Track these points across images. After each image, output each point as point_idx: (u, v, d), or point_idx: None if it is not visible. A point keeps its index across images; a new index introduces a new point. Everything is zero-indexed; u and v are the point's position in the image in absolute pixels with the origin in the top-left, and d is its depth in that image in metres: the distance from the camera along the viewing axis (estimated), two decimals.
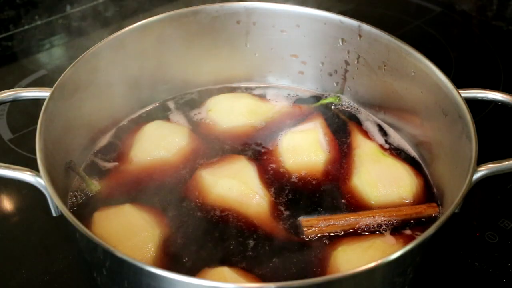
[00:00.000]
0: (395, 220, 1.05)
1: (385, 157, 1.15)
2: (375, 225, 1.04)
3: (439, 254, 1.08)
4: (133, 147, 1.17)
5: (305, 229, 1.03)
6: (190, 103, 1.31)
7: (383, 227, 1.04)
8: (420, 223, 1.05)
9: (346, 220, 1.05)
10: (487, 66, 1.59)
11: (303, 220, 1.05)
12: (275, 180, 1.12)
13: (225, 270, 0.94)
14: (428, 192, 1.12)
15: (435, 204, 1.08)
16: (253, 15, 1.29)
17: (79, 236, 0.87)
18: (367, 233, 1.03)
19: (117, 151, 1.18)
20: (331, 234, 1.03)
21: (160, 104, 1.30)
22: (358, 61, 1.26)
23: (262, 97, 1.32)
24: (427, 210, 1.07)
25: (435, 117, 1.12)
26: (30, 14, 1.65)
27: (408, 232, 1.04)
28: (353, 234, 1.03)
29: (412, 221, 1.05)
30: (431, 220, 1.06)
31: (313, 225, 1.04)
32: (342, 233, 1.03)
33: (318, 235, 1.03)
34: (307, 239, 1.02)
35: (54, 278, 1.06)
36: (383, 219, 1.05)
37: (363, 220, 1.05)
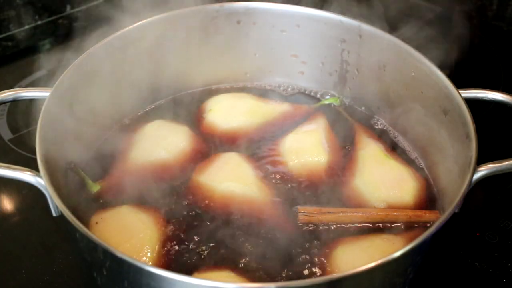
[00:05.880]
0: (394, 221, 1.05)
1: (388, 159, 1.15)
2: (375, 225, 1.04)
3: (439, 254, 1.08)
4: (133, 147, 1.17)
5: (299, 214, 1.04)
6: (190, 103, 1.31)
7: (383, 227, 1.04)
8: (420, 224, 1.05)
9: (344, 213, 1.05)
10: (487, 66, 1.59)
11: (300, 208, 1.06)
12: (277, 181, 1.12)
13: (224, 271, 0.95)
14: (430, 195, 1.11)
15: (437, 211, 1.07)
16: (253, 15, 1.28)
17: (79, 236, 0.87)
18: (366, 232, 1.03)
19: (117, 151, 1.18)
20: (329, 225, 1.04)
21: (160, 104, 1.30)
22: (358, 61, 1.26)
23: (262, 97, 1.32)
24: (427, 213, 1.06)
25: (435, 117, 1.12)
26: (30, 14, 1.65)
27: (408, 232, 1.04)
28: (353, 234, 1.03)
29: (412, 222, 1.05)
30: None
31: (309, 212, 1.04)
32: (338, 226, 1.04)
33: (314, 226, 1.03)
34: (304, 227, 1.03)
35: (54, 278, 1.06)
36: (381, 218, 1.05)
37: (361, 216, 1.05)
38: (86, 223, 1.01)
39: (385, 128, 1.26)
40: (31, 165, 0.95)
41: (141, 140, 1.17)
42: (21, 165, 0.94)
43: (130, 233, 0.99)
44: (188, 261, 0.98)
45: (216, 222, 1.04)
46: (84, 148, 1.15)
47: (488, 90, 1.09)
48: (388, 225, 1.05)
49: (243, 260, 0.99)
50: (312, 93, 1.35)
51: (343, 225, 1.05)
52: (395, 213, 1.05)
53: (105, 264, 0.88)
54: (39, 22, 1.66)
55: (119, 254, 0.81)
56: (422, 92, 1.15)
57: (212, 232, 1.03)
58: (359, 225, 1.05)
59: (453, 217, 0.89)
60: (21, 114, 1.38)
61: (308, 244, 1.02)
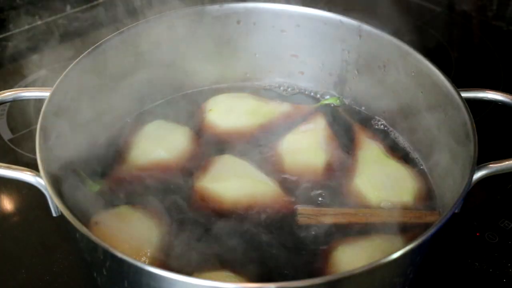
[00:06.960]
0: (393, 221, 1.05)
1: (388, 159, 1.15)
2: (374, 225, 1.04)
3: (439, 254, 1.08)
4: (133, 147, 1.17)
5: (299, 216, 1.04)
6: (190, 103, 1.30)
7: (383, 227, 1.04)
8: (421, 224, 1.05)
9: (344, 213, 1.05)
10: (487, 66, 1.60)
11: (300, 208, 1.06)
12: (276, 182, 1.12)
13: (224, 271, 0.95)
14: (430, 195, 1.11)
15: (437, 212, 1.07)
16: (253, 15, 1.29)
17: (79, 236, 0.87)
18: (366, 232, 1.03)
19: (117, 151, 1.18)
20: (328, 225, 1.04)
21: (160, 104, 1.30)
22: (358, 61, 1.26)
23: (262, 97, 1.32)
24: (427, 214, 1.06)
25: (435, 117, 1.12)
26: (30, 14, 1.65)
27: (408, 232, 1.03)
28: (353, 234, 1.03)
29: (412, 222, 1.05)
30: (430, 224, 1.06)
31: (308, 213, 1.04)
32: (337, 226, 1.04)
33: (314, 226, 1.03)
34: (304, 227, 1.03)
35: (54, 278, 1.06)
36: (381, 219, 1.05)
37: (361, 216, 1.05)
38: (86, 223, 1.01)
39: (385, 128, 1.26)
40: (31, 165, 0.95)
41: (141, 140, 1.17)
42: (21, 165, 0.94)
43: (130, 233, 0.99)
44: (188, 261, 0.98)
45: (215, 222, 1.04)
46: (84, 148, 1.15)
47: (488, 90, 1.09)
48: (388, 225, 1.05)
49: (243, 260, 0.98)
50: (312, 93, 1.35)
51: (343, 226, 1.05)
52: (395, 214, 1.05)
53: (105, 264, 0.88)
54: (39, 22, 1.66)
55: (119, 254, 0.81)
56: (422, 92, 1.15)
57: (212, 232, 1.03)
58: (359, 225, 1.05)
59: (453, 217, 0.89)
60: (21, 114, 1.38)
61: (308, 244, 1.02)
